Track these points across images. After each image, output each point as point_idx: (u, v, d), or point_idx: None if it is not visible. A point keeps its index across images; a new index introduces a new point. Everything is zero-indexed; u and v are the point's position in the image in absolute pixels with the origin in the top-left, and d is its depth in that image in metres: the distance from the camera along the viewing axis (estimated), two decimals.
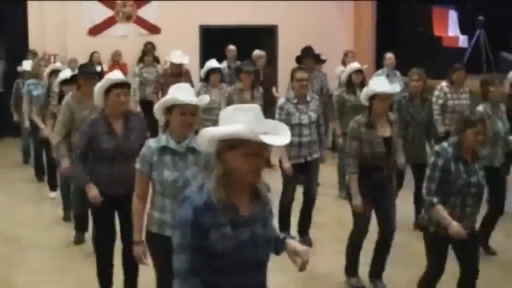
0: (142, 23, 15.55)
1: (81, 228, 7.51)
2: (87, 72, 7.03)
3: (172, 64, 10.69)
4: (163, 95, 10.05)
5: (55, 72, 8.66)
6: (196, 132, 6.07)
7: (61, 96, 7.69)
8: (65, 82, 7.84)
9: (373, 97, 5.88)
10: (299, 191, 7.44)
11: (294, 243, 3.15)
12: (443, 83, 8.73)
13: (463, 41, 14.76)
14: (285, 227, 7.23)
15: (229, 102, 8.30)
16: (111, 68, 14.05)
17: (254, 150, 2.82)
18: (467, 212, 5.01)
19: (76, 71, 8.17)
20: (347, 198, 6.21)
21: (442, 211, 4.92)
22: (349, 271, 6.25)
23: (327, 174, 9.42)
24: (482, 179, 5.06)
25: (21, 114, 10.73)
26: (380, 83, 5.96)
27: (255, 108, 2.91)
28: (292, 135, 6.60)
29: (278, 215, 7.12)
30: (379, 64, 14.01)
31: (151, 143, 4.40)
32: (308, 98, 7.19)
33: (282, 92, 11.17)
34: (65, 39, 14.76)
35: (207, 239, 2.83)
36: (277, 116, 7.02)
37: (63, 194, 8.33)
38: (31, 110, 9.88)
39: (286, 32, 15.82)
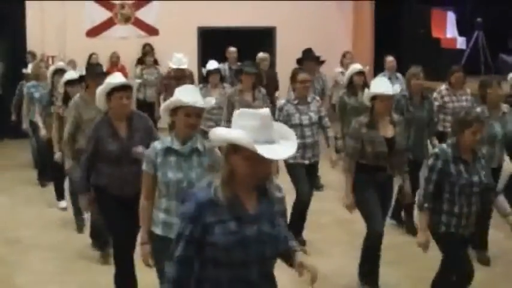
0: (140, 24, 15.55)
1: (99, 239, 7.10)
2: (95, 73, 6.98)
3: (174, 69, 10.54)
4: (166, 96, 10.08)
5: (59, 72, 8.58)
6: (205, 133, 6.01)
7: (66, 96, 7.64)
8: (69, 83, 7.77)
9: (374, 98, 5.93)
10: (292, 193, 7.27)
11: (301, 256, 3.26)
12: (443, 86, 8.69)
13: (461, 42, 14.78)
14: (299, 231, 7.12)
15: (230, 104, 8.29)
16: (109, 70, 14.08)
17: (254, 157, 2.85)
18: (473, 211, 5.06)
19: (76, 72, 8.19)
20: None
21: (425, 219, 5.07)
22: (363, 279, 6.12)
23: (332, 176, 9.39)
24: (488, 178, 5.09)
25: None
26: (380, 84, 5.99)
27: (264, 114, 2.92)
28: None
29: (290, 217, 6.83)
30: (378, 66, 14.04)
31: (156, 144, 4.41)
32: (309, 99, 7.18)
33: (281, 94, 11.16)
34: (64, 40, 14.75)
35: (212, 234, 2.93)
36: (276, 117, 6.98)
37: (72, 200, 7.95)
38: (29, 111, 9.94)
39: (285, 33, 15.83)
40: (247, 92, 8.51)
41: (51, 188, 9.40)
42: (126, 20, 15.53)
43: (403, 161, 6.11)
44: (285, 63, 10.81)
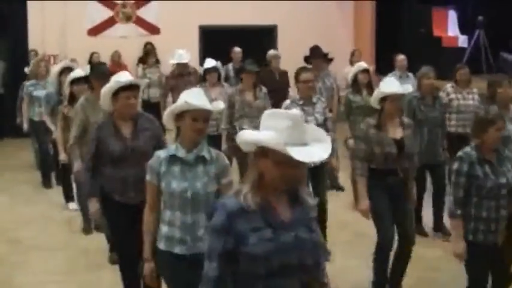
0: (142, 23, 15.56)
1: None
2: (100, 73, 6.63)
3: (176, 65, 10.49)
4: (174, 98, 10.03)
5: (66, 71, 8.35)
6: (211, 138, 5.82)
7: (72, 96, 7.48)
8: (75, 81, 7.54)
9: (383, 99, 5.78)
10: None
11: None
12: (449, 84, 8.56)
13: (462, 41, 14.77)
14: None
15: (231, 104, 8.15)
16: (111, 69, 14.05)
17: (285, 160, 2.69)
18: (502, 215, 4.83)
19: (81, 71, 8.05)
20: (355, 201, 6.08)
21: (458, 226, 4.82)
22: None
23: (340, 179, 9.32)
24: None
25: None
26: (390, 84, 5.87)
27: (295, 115, 2.76)
28: None
29: None
30: (378, 64, 14.04)
31: (160, 152, 4.18)
32: (314, 100, 6.96)
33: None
34: (65, 39, 14.76)
35: (246, 244, 2.74)
36: None
37: (80, 202, 7.88)
38: (29, 111, 9.85)
39: (286, 32, 15.83)
40: (248, 92, 8.30)
41: (51, 188, 9.42)
42: (128, 18, 15.54)
43: (412, 166, 5.89)
44: (286, 62, 10.75)
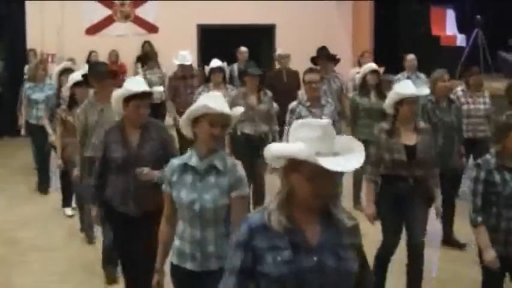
0: (140, 22, 15.56)
1: (109, 261, 6.39)
2: (98, 73, 6.42)
3: (179, 67, 10.28)
4: (174, 99, 9.97)
5: (65, 72, 8.23)
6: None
7: (72, 100, 7.26)
8: (76, 84, 7.20)
9: (399, 102, 5.56)
10: None
11: None
12: (459, 87, 8.38)
13: (460, 40, 14.78)
14: None
15: (234, 107, 7.99)
16: (109, 68, 14.04)
17: (316, 172, 2.51)
18: None
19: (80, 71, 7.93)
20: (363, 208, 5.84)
21: (483, 233, 4.64)
22: None
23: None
24: None
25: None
26: (406, 87, 5.65)
27: (325, 124, 2.60)
28: None
29: None
30: (376, 63, 14.02)
31: (174, 159, 3.95)
32: (323, 102, 6.79)
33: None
34: (63, 38, 14.75)
35: (262, 264, 2.58)
36: (287, 119, 6.64)
37: (79, 205, 7.79)
38: (27, 113, 9.68)
39: (284, 31, 15.82)
40: (251, 95, 8.02)
41: (46, 194, 9.39)
42: (126, 17, 15.54)
43: (432, 174, 5.67)
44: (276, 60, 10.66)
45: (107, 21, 15.42)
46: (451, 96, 7.84)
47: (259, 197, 7.88)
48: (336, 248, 2.61)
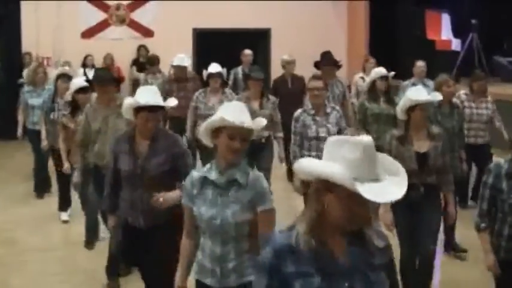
0: (136, 26, 15.57)
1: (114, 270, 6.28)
2: (100, 80, 6.24)
3: (175, 68, 10.14)
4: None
5: (62, 77, 8.13)
6: (205, 148, 5.05)
7: (75, 105, 7.04)
8: (79, 90, 6.98)
9: (411, 108, 5.47)
10: None
11: None
12: (462, 91, 8.29)
13: (456, 44, 14.83)
14: None
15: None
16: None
17: (353, 198, 2.32)
18: None
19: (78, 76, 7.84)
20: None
21: (485, 239, 4.56)
22: None
23: None
24: None
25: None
26: (419, 92, 5.57)
27: (367, 144, 2.36)
28: (309, 150, 6.44)
29: None
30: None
31: (195, 172, 3.73)
32: (328, 110, 6.61)
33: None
34: (59, 42, 14.74)
35: None
36: (292, 128, 6.53)
37: (86, 216, 7.33)
38: (25, 117, 9.54)
39: (280, 35, 15.85)
40: (254, 100, 7.87)
41: (43, 198, 9.36)
42: (121, 21, 15.54)
43: (445, 180, 5.60)
44: (280, 65, 10.63)
45: (103, 25, 15.42)
46: (454, 100, 7.73)
47: None
48: (367, 271, 2.44)
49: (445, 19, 15.06)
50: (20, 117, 9.75)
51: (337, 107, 6.94)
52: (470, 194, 8.60)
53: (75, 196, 7.84)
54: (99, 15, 15.37)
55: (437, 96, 5.92)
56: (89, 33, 15.29)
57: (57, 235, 7.95)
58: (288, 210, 6.98)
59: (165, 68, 11.86)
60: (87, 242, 7.23)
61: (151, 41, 15.32)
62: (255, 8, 15.57)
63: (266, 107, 7.93)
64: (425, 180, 5.46)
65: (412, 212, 5.46)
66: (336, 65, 9.02)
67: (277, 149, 8.37)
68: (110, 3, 15.42)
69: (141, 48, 15.08)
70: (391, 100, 7.80)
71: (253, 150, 7.55)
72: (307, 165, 2.43)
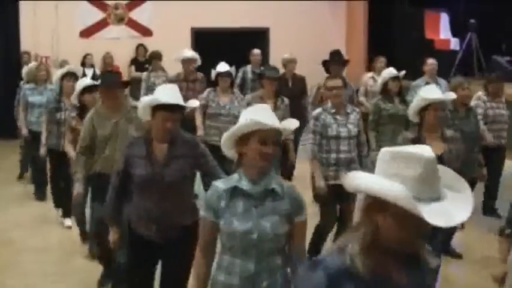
0: (134, 25, 15.55)
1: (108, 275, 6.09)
2: (107, 84, 5.84)
3: (184, 63, 9.70)
4: None
5: (68, 76, 7.86)
6: (212, 147, 4.88)
7: (82, 106, 6.76)
8: (85, 90, 6.75)
9: (425, 108, 5.39)
10: None
11: None
12: (480, 92, 8.18)
13: (454, 43, 14.82)
14: (316, 252, 6.32)
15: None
16: (103, 71, 14.05)
17: (411, 219, 2.12)
18: None
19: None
20: None
21: (503, 245, 4.41)
22: None
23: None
24: None
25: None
26: (432, 91, 5.47)
27: (429, 159, 2.15)
28: (329, 150, 6.33)
29: (310, 240, 6.30)
30: (371, 66, 14.05)
31: (219, 183, 3.41)
32: (348, 110, 6.46)
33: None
34: (57, 41, 14.72)
35: None
36: (312, 127, 6.35)
37: (77, 217, 7.43)
38: (25, 116, 9.25)
39: (278, 34, 15.84)
40: (268, 100, 7.67)
41: (44, 200, 9.32)
42: (120, 20, 15.52)
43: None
44: (279, 64, 10.58)
45: (101, 24, 15.40)
46: (475, 101, 7.64)
47: None
48: None
49: (444, 19, 15.06)
50: (21, 117, 9.40)
51: (357, 108, 6.83)
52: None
53: None
54: (98, 15, 15.34)
55: (451, 96, 5.82)
56: (87, 33, 15.26)
57: (53, 235, 7.93)
58: None
59: (164, 66, 11.80)
60: (91, 250, 7.01)
61: (149, 40, 15.28)
62: (254, 7, 15.56)
63: (280, 109, 7.76)
64: None
65: None
66: (345, 65, 8.80)
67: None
68: (109, 2, 15.40)
69: (140, 47, 15.04)
70: (404, 100, 7.75)
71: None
72: (362, 180, 2.23)
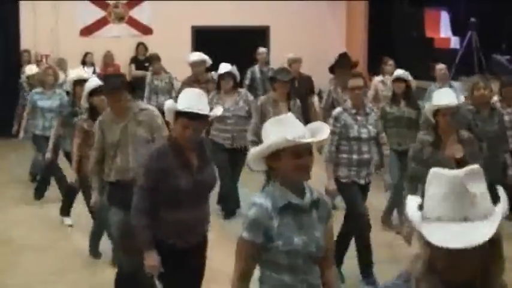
0: (134, 23, 15.54)
1: None
2: (110, 88, 5.48)
3: (193, 66, 9.43)
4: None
5: (80, 83, 7.34)
6: (227, 152, 4.97)
7: (92, 109, 6.52)
8: (93, 92, 6.47)
9: (436, 113, 5.38)
10: None
11: None
12: (495, 97, 7.81)
13: (454, 42, 14.80)
14: (340, 260, 6.28)
15: (262, 113, 7.55)
16: (104, 70, 14.08)
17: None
18: None
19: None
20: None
21: None
22: None
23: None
24: None
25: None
26: (443, 95, 5.43)
27: (457, 179, 2.07)
28: (351, 151, 6.23)
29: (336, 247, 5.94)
30: (371, 65, 14.05)
31: (264, 201, 3.12)
32: (367, 110, 6.37)
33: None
34: (57, 40, 14.72)
35: None
36: (331, 127, 6.08)
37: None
38: (29, 119, 9.07)
39: (279, 33, 15.83)
40: (281, 103, 7.62)
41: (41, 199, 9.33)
42: (120, 19, 15.51)
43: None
44: (279, 63, 10.56)
45: (101, 23, 15.39)
46: (493, 102, 7.38)
47: None
48: None
49: (444, 17, 15.05)
50: (24, 121, 9.26)
51: (375, 108, 6.79)
52: None
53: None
54: (98, 13, 15.34)
55: (459, 99, 5.72)
56: (87, 31, 15.26)
57: (52, 234, 7.93)
58: None
59: (165, 66, 11.78)
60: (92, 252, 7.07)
61: (150, 39, 15.29)
62: (254, 5, 15.53)
63: (293, 111, 7.55)
64: None
65: None
66: (352, 68, 8.49)
67: None
68: (109, 1, 15.39)
69: (140, 46, 15.04)
70: (413, 103, 7.68)
71: None
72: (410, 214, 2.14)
